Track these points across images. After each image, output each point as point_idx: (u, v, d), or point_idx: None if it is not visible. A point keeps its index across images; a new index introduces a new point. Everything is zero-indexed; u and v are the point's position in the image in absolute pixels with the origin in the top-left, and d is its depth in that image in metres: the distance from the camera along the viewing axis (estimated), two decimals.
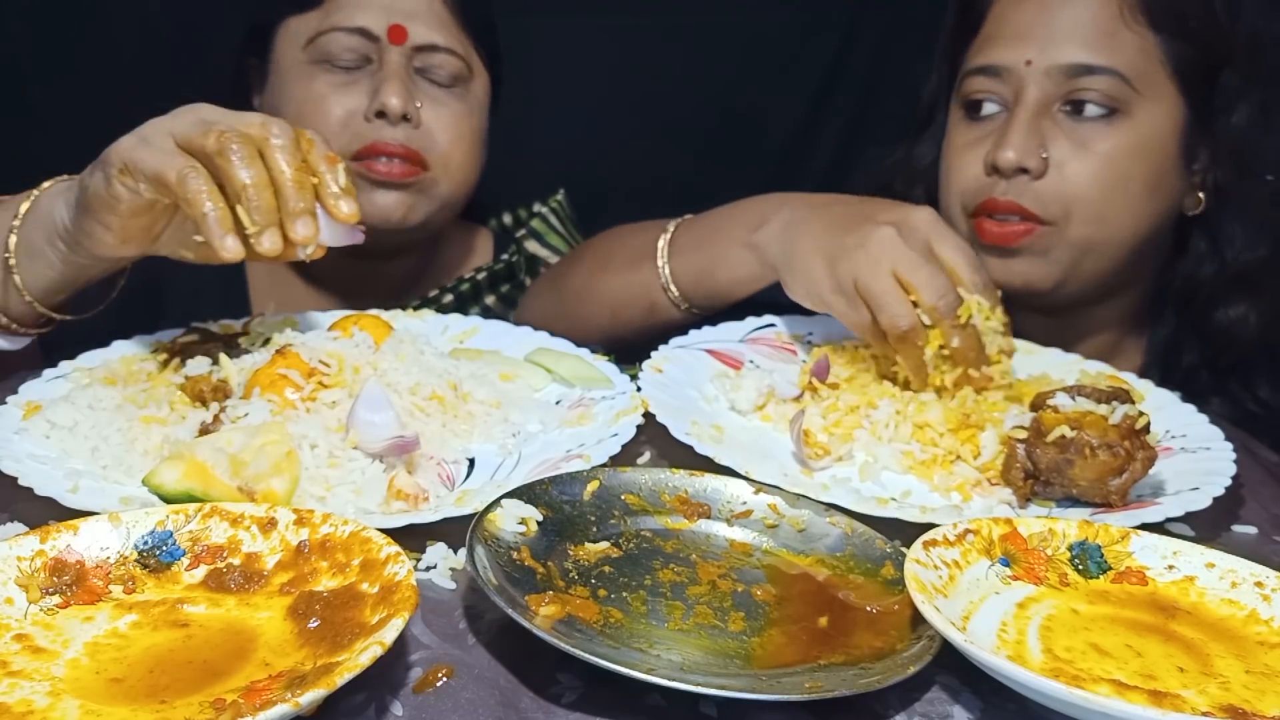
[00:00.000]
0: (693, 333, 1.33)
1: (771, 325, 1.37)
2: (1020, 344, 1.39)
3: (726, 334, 1.35)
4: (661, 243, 1.40)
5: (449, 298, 1.68)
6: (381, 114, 1.46)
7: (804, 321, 1.39)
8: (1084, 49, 1.32)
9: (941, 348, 1.16)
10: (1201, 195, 1.41)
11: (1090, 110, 1.33)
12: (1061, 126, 1.34)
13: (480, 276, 1.70)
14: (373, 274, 1.64)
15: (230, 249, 0.99)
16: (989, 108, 1.39)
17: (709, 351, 1.31)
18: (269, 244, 1.00)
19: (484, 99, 1.59)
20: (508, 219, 1.84)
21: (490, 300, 1.72)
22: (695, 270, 1.38)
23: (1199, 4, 1.36)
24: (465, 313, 1.55)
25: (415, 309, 1.49)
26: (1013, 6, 1.39)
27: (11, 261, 1.13)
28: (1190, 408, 1.22)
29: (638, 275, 1.42)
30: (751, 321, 1.37)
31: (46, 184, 1.16)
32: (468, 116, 1.55)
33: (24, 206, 1.14)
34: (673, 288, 1.39)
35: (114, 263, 1.15)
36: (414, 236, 1.58)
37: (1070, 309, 1.46)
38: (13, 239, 1.13)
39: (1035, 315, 1.46)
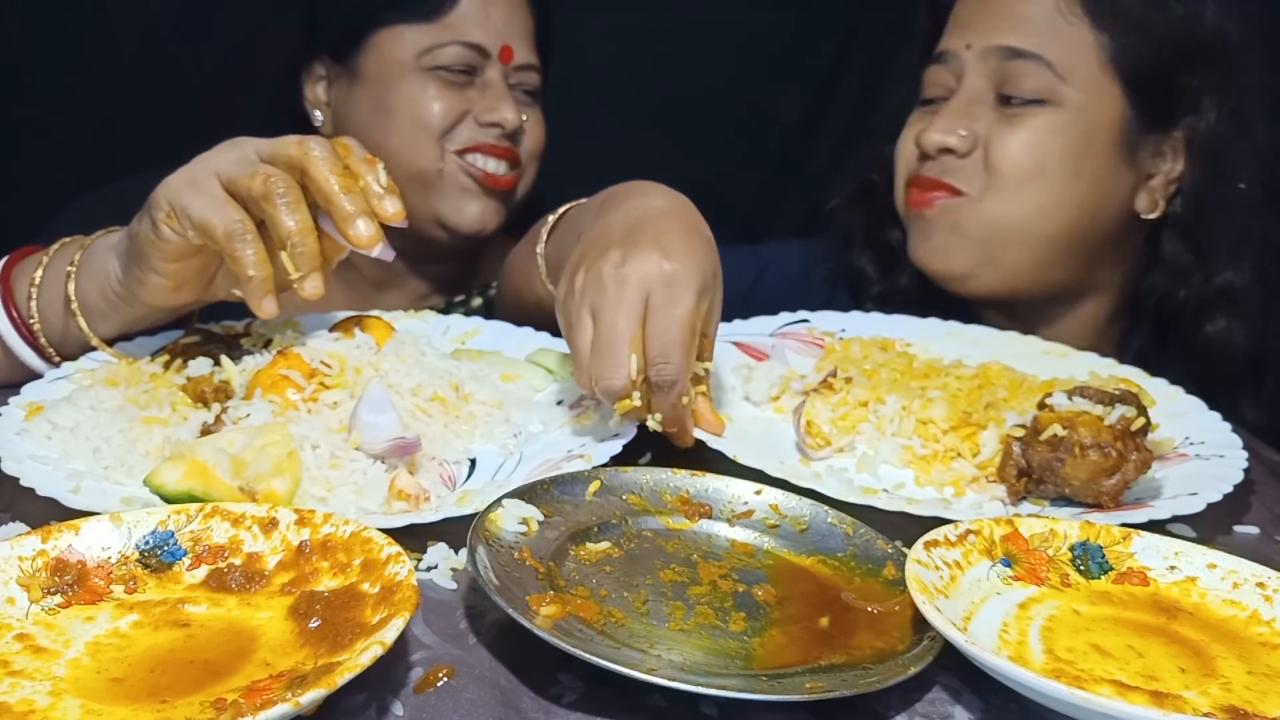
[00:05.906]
0: (722, 326, 1.20)
1: (804, 321, 1.38)
2: (1053, 346, 1.37)
3: (757, 328, 1.36)
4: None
5: (477, 300, 1.73)
6: (492, 124, 1.57)
7: (838, 318, 1.40)
8: (1016, 35, 1.38)
9: None
10: (1161, 200, 1.42)
11: (1017, 102, 1.37)
12: (994, 110, 1.39)
13: None
14: (416, 273, 1.70)
15: (267, 310, 1.04)
16: (937, 91, 1.45)
17: (736, 344, 1.31)
18: (311, 288, 1.04)
19: None
20: None
21: None
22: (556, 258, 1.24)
23: (1144, 3, 1.37)
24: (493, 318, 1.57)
25: (441, 312, 1.50)
26: (964, 2, 1.46)
27: (74, 306, 1.14)
28: (1215, 415, 1.19)
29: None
30: (785, 316, 1.38)
31: (98, 234, 1.17)
32: (543, 124, 1.66)
33: (78, 256, 1.15)
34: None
35: (171, 311, 1.15)
36: (470, 244, 1.66)
37: (1028, 312, 1.46)
38: (70, 285, 1.14)
39: (998, 317, 1.47)
